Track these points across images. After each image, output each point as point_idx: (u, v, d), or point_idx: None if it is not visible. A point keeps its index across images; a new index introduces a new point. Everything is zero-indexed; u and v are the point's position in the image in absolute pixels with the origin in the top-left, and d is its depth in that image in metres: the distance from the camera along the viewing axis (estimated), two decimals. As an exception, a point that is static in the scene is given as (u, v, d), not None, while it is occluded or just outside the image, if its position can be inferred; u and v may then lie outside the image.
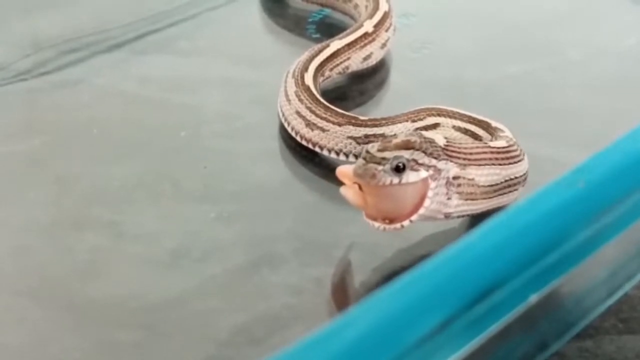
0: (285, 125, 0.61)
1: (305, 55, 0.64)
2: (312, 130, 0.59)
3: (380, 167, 0.47)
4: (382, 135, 0.58)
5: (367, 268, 0.51)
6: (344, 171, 0.49)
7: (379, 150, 0.48)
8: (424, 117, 0.59)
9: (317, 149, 0.59)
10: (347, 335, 0.30)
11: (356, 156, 0.58)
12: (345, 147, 0.58)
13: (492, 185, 0.51)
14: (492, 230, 0.34)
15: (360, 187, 0.48)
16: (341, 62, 0.66)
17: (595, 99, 0.65)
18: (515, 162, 0.52)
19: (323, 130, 0.59)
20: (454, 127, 0.59)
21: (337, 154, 0.59)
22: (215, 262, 0.51)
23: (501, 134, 0.55)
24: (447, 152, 0.49)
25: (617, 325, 0.48)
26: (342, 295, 0.50)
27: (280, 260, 0.51)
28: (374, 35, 0.67)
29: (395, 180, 0.47)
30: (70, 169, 0.59)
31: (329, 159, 0.59)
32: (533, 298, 0.34)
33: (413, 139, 0.48)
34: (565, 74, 0.68)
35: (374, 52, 0.67)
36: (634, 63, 0.69)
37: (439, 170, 0.48)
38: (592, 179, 0.36)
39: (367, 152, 0.48)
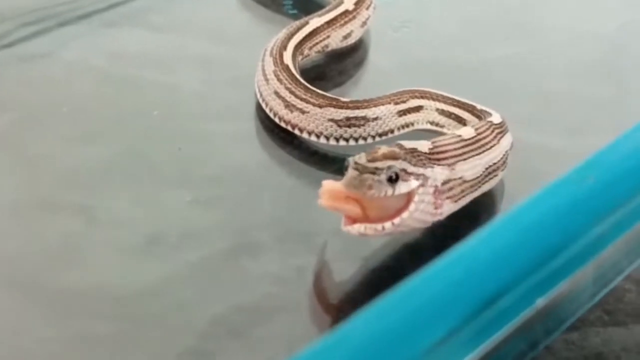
0: (263, 105, 0.59)
1: (284, 32, 0.62)
2: (292, 111, 0.57)
3: (376, 178, 0.45)
4: (364, 118, 0.56)
5: (349, 256, 0.50)
6: (329, 188, 0.46)
7: (369, 161, 0.46)
8: (407, 100, 0.58)
9: (296, 131, 0.58)
10: (347, 346, 0.29)
11: (337, 139, 0.57)
12: (326, 129, 0.57)
13: (476, 178, 0.50)
14: (495, 234, 0.33)
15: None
16: (321, 41, 0.64)
17: (579, 84, 0.65)
18: (489, 149, 0.51)
19: (303, 112, 0.57)
20: (437, 110, 0.58)
21: (317, 136, 0.57)
22: (192, 250, 0.50)
23: (488, 117, 0.54)
24: (434, 157, 0.48)
25: (602, 317, 0.48)
26: (324, 285, 0.49)
27: (259, 247, 0.50)
28: (354, 13, 0.66)
29: (390, 191, 0.46)
30: (40, 150, 0.57)
31: (308, 142, 0.58)
32: (540, 302, 0.33)
33: (397, 150, 0.47)
34: (549, 58, 0.68)
35: (354, 31, 0.66)
36: (619, 48, 0.69)
37: (426, 178, 0.47)
38: (599, 177, 0.35)
39: (357, 162, 0.46)
